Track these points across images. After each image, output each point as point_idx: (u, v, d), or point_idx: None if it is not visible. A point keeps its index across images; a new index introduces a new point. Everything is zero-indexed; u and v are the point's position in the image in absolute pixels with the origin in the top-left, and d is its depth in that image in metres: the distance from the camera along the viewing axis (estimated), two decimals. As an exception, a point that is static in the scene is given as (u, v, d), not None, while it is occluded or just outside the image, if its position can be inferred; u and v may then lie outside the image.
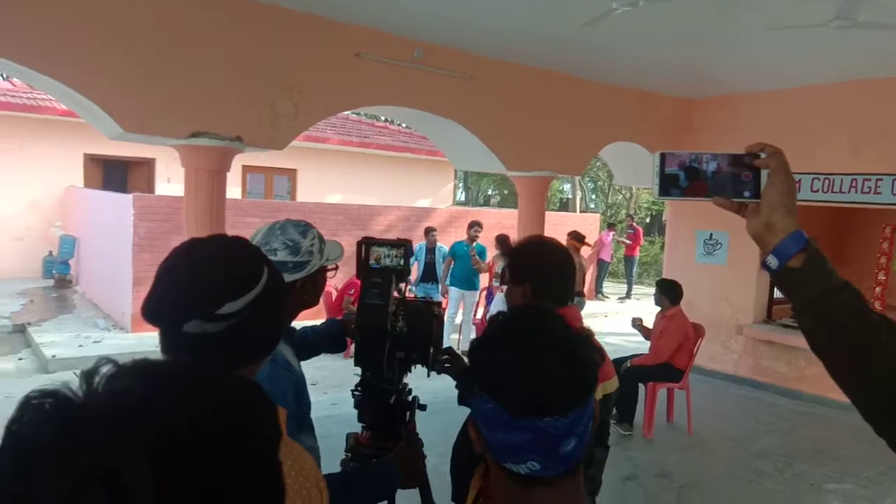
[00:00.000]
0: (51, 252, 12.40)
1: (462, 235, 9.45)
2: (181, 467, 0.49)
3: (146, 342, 8.05)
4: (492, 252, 9.08)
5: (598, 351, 0.98)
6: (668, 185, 1.05)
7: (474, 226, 8.91)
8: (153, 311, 1.10)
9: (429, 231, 9.18)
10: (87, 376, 0.54)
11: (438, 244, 9.10)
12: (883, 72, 6.20)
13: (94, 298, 10.87)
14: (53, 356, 7.49)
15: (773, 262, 1.01)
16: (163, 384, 0.54)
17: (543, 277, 2.02)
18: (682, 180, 1.04)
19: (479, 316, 9.20)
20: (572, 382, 0.94)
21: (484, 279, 9.26)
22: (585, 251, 11.02)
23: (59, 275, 11.98)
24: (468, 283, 8.87)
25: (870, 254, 8.07)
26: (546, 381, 0.92)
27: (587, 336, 0.99)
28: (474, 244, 8.85)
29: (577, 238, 8.98)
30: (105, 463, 0.47)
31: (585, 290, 10.83)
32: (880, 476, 5.17)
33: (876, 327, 0.96)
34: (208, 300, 1.08)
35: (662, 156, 1.05)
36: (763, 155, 1.03)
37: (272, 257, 1.51)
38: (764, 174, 1.02)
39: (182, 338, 1.08)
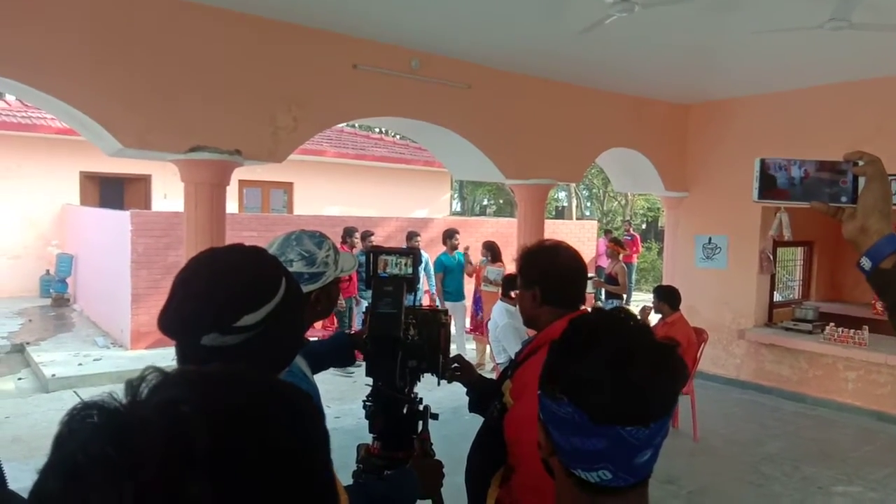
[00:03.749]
0: (48, 271, 12.34)
1: (464, 246, 9.34)
2: (242, 478, 0.48)
3: (146, 359, 8.00)
4: (478, 258, 9.01)
5: (682, 362, 0.96)
6: (762, 189, 1.10)
7: (454, 234, 8.84)
8: (170, 322, 1.08)
9: (412, 236, 8.95)
10: (132, 386, 0.52)
11: (421, 251, 8.98)
12: (880, 72, 6.23)
13: (92, 316, 10.81)
14: (53, 375, 7.44)
15: (866, 263, 1.05)
16: (217, 392, 0.53)
17: (553, 282, 1.99)
18: (765, 184, 1.09)
19: (467, 324, 9.13)
20: (661, 392, 0.91)
21: (471, 286, 9.16)
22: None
23: (56, 293, 11.92)
24: (458, 294, 8.83)
25: (869, 255, 8.09)
26: (636, 388, 0.89)
27: (675, 346, 0.96)
28: (456, 252, 8.82)
29: (618, 243, 9.11)
30: (165, 476, 0.45)
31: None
32: (888, 478, 5.15)
33: None
34: (226, 312, 1.06)
35: (762, 161, 1.09)
36: (861, 162, 1.06)
37: (288, 268, 1.50)
38: (861, 180, 1.06)
39: (199, 350, 1.06)
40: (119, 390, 0.52)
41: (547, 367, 0.97)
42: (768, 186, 1.08)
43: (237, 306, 1.07)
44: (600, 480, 0.91)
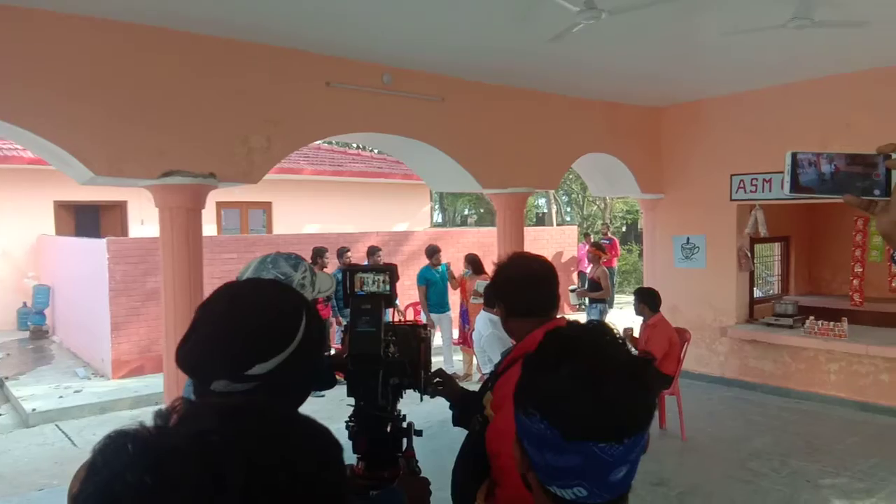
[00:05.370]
0: (25, 303, 12.14)
1: (445, 258, 9.33)
2: None
3: (129, 388, 7.90)
4: (460, 270, 9.02)
5: (658, 376, 0.95)
6: (794, 183, 1.08)
7: (435, 252, 8.80)
8: (184, 362, 1.09)
9: (373, 251, 8.78)
10: (162, 416, 0.54)
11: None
12: (846, 68, 6.33)
13: (72, 347, 10.64)
14: (34, 409, 7.29)
15: None
16: (245, 424, 0.55)
17: (508, 293, 2.00)
18: (797, 178, 1.07)
19: (455, 336, 9.13)
20: (634, 408, 0.89)
21: (456, 298, 9.17)
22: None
23: (34, 325, 11.72)
24: (442, 306, 8.84)
25: (844, 248, 8.21)
26: (607, 404, 0.86)
27: (650, 360, 0.94)
28: (440, 266, 8.80)
29: (599, 247, 9.19)
30: (198, 502, 0.48)
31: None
32: (873, 468, 5.20)
33: None
34: (237, 362, 1.06)
35: (794, 155, 1.07)
36: (894, 155, 1.04)
37: None
38: (894, 173, 1.04)
39: (210, 393, 1.06)
40: (124, 421, 0.54)
41: (520, 382, 0.96)
42: (798, 180, 1.07)
43: (249, 356, 1.07)
44: (576, 497, 0.90)
